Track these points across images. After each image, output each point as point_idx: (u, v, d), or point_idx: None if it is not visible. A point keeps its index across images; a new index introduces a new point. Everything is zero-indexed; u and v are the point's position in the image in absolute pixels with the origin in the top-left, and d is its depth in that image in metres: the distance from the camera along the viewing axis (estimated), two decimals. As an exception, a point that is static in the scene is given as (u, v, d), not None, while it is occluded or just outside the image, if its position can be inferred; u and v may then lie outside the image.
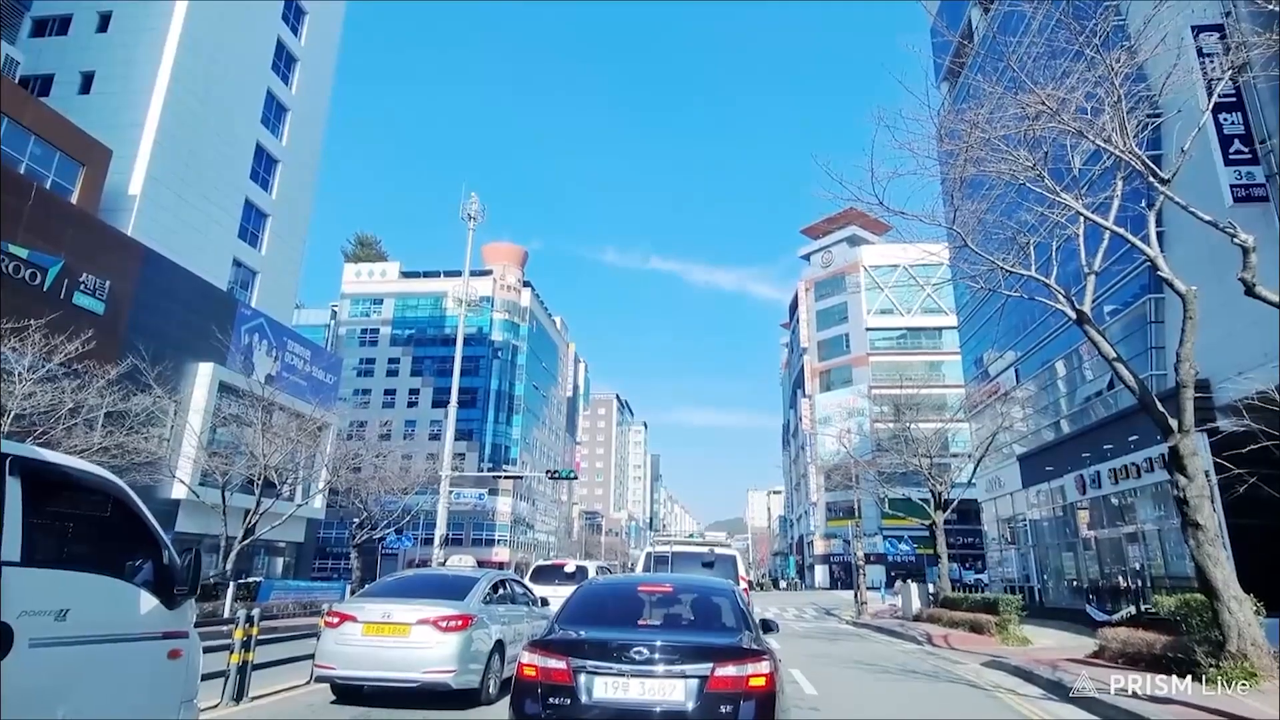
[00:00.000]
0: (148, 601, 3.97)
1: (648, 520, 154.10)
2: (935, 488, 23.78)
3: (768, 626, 5.43)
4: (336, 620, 7.89)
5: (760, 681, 4.26)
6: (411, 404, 70.58)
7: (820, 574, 69.44)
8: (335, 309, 76.34)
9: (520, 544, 70.92)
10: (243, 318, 29.76)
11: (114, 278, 23.03)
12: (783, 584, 78.18)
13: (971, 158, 9.94)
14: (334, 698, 8.15)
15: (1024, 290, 12.26)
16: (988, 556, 34.73)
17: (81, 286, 21.76)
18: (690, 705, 4.19)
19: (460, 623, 7.69)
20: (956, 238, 10.49)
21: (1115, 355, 10.22)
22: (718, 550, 13.93)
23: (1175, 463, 9.28)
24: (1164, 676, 9.76)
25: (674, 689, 4.25)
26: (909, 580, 26.49)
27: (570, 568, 16.92)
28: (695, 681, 4.24)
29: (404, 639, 7.58)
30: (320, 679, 8.01)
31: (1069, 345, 24.35)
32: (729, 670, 4.27)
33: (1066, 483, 23.37)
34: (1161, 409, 9.56)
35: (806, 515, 77.14)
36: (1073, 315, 10.53)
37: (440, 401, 60.31)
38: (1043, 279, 10.59)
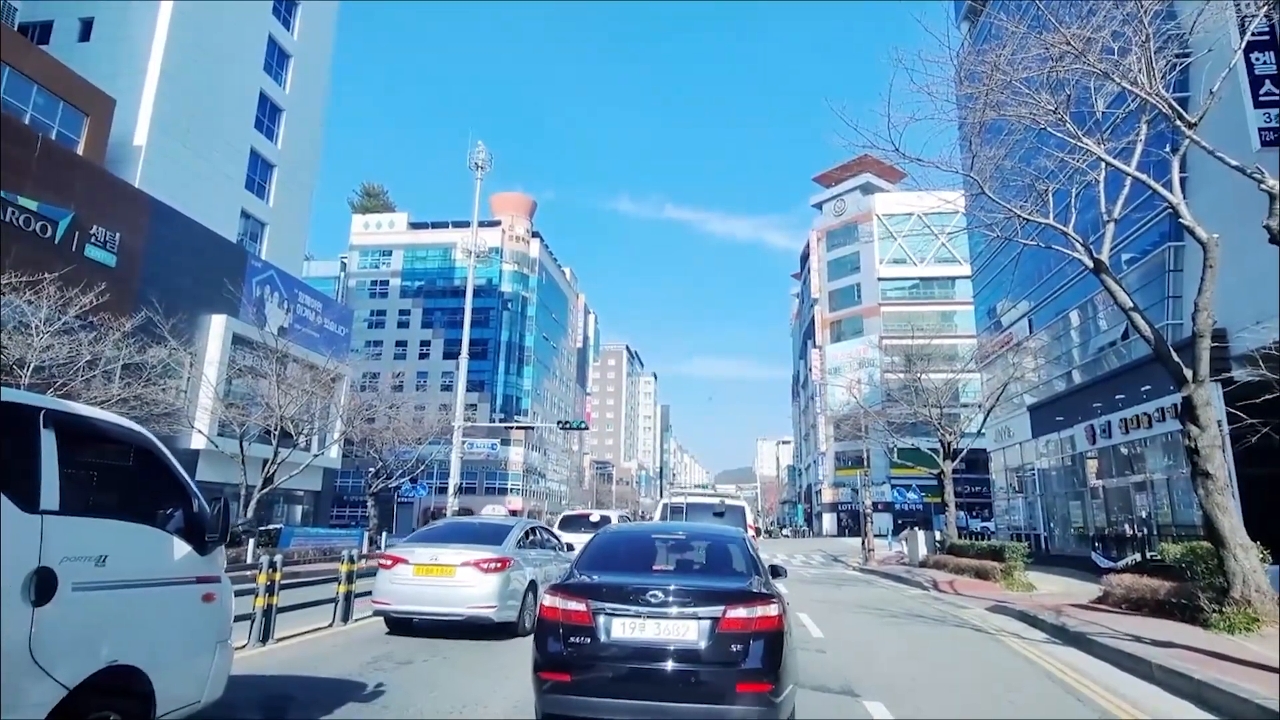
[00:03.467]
0: (180, 548, 4.08)
1: (658, 470, 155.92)
2: (944, 437, 23.86)
3: (776, 571, 5.67)
4: (390, 563, 8.89)
5: (769, 623, 4.48)
6: (423, 355, 71.08)
7: (828, 522, 70.50)
8: (344, 260, 76.21)
9: (532, 493, 72.15)
10: (253, 270, 29.82)
11: (124, 230, 23.03)
12: (786, 531, 79.40)
13: (992, 101, 9.66)
14: (387, 630, 9.08)
15: (1041, 239, 12.05)
16: (995, 505, 35.07)
17: (92, 239, 21.79)
18: (703, 644, 4.41)
19: (499, 565, 8.65)
20: (973, 185, 10.27)
21: (1132, 305, 10.10)
22: (728, 501, 15.33)
23: (1188, 413, 9.25)
24: (1167, 621, 9.95)
25: (687, 629, 4.46)
26: (916, 528, 26.80)
27: (595, 517, 18.35)
28: (707, 622, 4.45)
29: (450, 579, 8.55)
30: (377, 613, 9.03)
31: (1084, 295, 24.05)
32: (739, 612, 4.47)
33: (1076, 432, 23.41)
34: (1176, 359, 9.49)
35: (815, 464, 77.86)
36: (1090, 264, 10.37)
37: (451, 353, 60.64)
38: (1060, 227, 10.40)
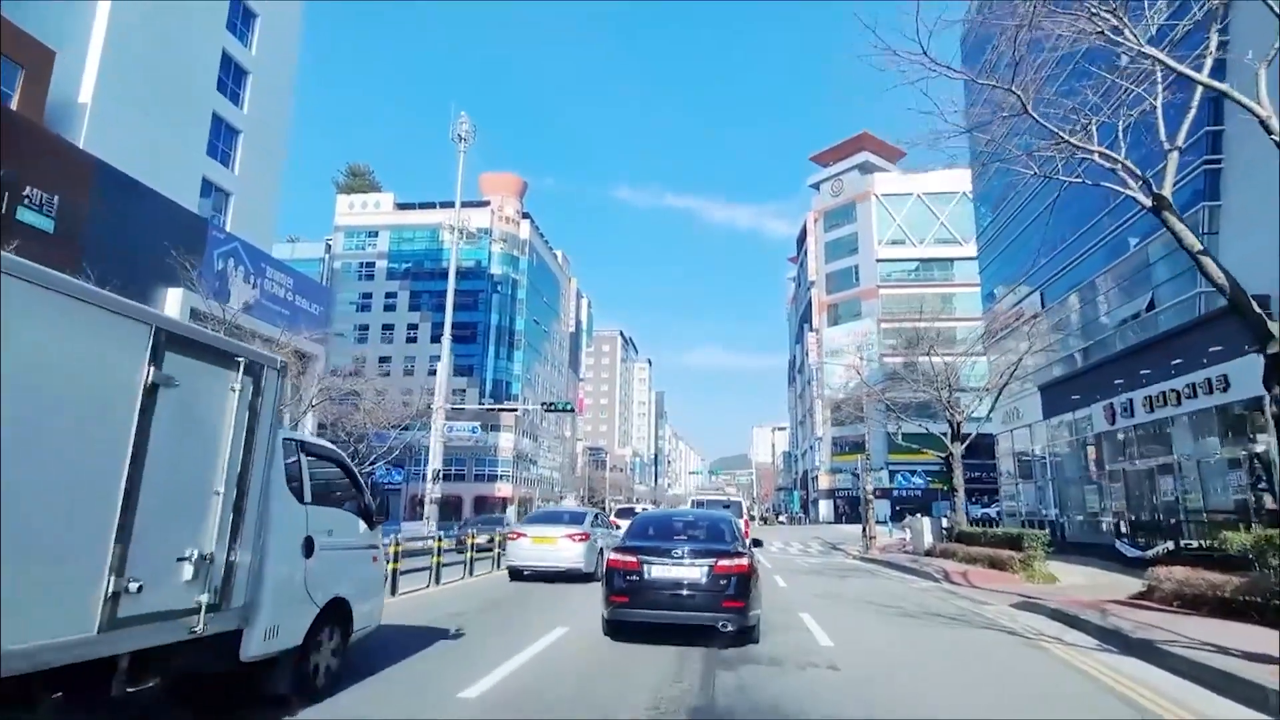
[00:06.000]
0: (360, 525, 6.22)
1: (652, 457, 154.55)
2: (953, 418, 22.31)
3: (758, 543, 10.29)
4: (515, 536, 14.43)
5: (741, 569, 7.53)
6: (411, 339, 69.01)
7: (825, 508, 69.00)
8: (329, 242, 73.80)
9: (523, 480, 70.48)
10: (215, 241, 27.83)
11: (64, 193, 21.08)
12: (782, 518, 77.77)
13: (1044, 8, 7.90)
14: (509, 579, 14.28)
15: (1085, 177, 10.38)
16: (1001, 490, 33.55)
17: (26, 200, 19.85)
18: (704, 580, 7.47)
19: (584, 536, 14.12)
20: (1015, 103, 8.54)
21: (1201, 248, 8.44)
22: (731, 498, 24.99)
23: (1274, 374, 7.64)
24: (1238, 624, 8.40)
25: (695, 571, 7.53)
26: (919, 514, 25.34)
27: (639, 509, 25.35)
28: (706, 567, 7.51)
29: (554, 546, 13.87)
30: (508, 568, 14.67)
31: (1100, 267, 22.50)
32: (725, 562, 7.54)
33: (1094, 412, 21.85)
34: (1259, 310, 7.86)
35: (811, 450, 76.35)
36: (1148, 202, 8.71)
37: (439, 336, 58.62)
38: (1115, 156, 8.72)
